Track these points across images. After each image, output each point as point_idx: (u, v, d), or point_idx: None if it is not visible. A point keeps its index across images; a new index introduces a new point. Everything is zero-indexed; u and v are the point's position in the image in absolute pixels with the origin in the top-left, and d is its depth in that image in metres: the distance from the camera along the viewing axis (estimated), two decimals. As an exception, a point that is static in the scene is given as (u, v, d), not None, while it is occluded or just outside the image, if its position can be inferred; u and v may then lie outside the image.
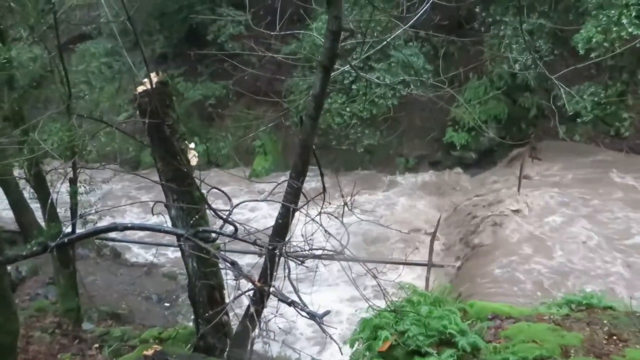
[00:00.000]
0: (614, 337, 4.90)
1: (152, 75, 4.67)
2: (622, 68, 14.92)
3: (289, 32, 5.60)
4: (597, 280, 10.10)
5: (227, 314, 5.15)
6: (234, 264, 2.85)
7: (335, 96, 15.74)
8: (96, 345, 7.20)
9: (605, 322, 5.22)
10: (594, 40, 13.16)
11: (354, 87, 15.57)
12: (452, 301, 5.45)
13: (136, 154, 17.85)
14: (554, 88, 12.30)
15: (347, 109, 15.81)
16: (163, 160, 4.62)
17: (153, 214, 3.31)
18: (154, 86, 4.29)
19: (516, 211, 12.70)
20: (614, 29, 12.98)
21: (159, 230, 3.46)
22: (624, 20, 12.93)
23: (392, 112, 15.22)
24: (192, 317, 6.37)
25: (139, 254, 12.69)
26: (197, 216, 4.07)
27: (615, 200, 12.82)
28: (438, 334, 4.80)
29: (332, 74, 5.00)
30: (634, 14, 13.02)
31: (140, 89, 4.56)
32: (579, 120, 14.76)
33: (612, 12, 13.12)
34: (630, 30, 12.80)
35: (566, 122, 14.89)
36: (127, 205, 11.69)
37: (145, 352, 5.03)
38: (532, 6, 14.45)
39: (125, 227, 3.42)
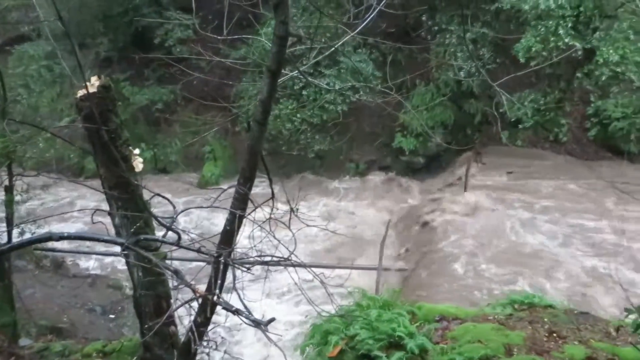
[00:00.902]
0: (554, 335, 5.10)
1: (94, 78, 4.51)
2: (560, 76, 15.63)
3: (237, 36, 5.54)
4: (540, 279, 10.51)
5: (174, 324, 5.02)
6: (177, 272, 2.78)
7: (285, 102, 15.74)
8: (35, 361, 6.86)
9: (545, 320, 5.43)
10: (533, 49, 13.72)
11: (304, 93, 15.61)
12: (401, 304, 5.52)
13: (79, 160, 17.20)
14: (496, 95, 12.73)
15: (298, 115, 15.83)
16: (106, 167, 4.47)
17: (93, 222, 3.18)
18: (94, 90, 4.14)
19: (463, 214, 13.05)
20: (552, 38, 13.60)
21: (98, 240, 3.33)
22: (561, 31, 13.57)
23: (342, 118, 15.36)
24: (139, 328, 6.18)
25: (82, 265, 12.20)
26: (139, 224, 3.94)
27: (555, 202, 13.39)
28: (387, 337, 4.86)
29: (281, 79, 4.98)
30: (569, 25, 13.69)
31: (80, 93, 4.39)
32: (520, 126, 15.34)
33: (550, 22, 13.73)
34: (566, 40, 13.44)
35: (509, 127, 15.45)
36: (65, 214, 11.19)
37: (87, 367, 4.84)
38: (476, 16, 14.92)
39: (61, 237, 3.25)
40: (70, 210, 12.07)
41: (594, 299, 9.76)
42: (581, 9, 13.80)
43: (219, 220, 11.98)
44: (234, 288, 2.86)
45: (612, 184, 11.54)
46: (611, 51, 13.34)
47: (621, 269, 10.51)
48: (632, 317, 3.18)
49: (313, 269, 3.83)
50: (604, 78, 13.96)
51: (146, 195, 4.21)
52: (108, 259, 11.93)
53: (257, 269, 3.63)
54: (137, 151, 4.76)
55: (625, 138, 14.65)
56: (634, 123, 14.37)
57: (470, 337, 4.95)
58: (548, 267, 10.88)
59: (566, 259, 11.16)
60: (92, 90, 4.36)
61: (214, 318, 3.77)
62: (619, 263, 10.72)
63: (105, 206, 4.52)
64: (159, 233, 4.13)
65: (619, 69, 13.54)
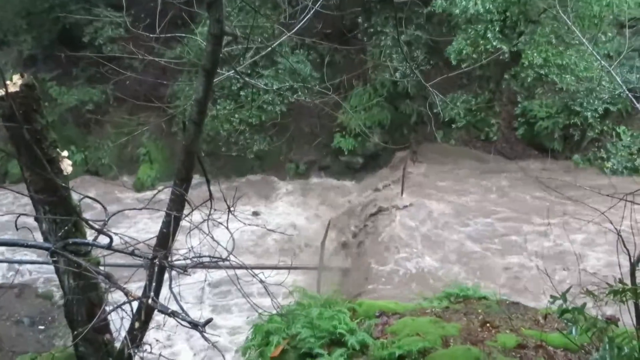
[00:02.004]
0: (488, 325, 5.32)
1: (17, 77, 4.27)
2: (489, 78, 16.32)
3: (170, 34, 5.42)
4: (474, 272, 10.94)
5: (109, 332, 4.83)
6: (109, 276, 2.68)
7: (223, 102, 15.53)
8: (-44, 379, 6.41)
9: (479, 311, 5.66)
10: (464, 52, 14.27)
11: (242, 93, 15.46)
12: (341, 302, 5.58)
13: (2, 164, 16.25)
14: (430, 96, 13.13)
15: (236, 115, 15.66)
16: (31, 170, 4.23)
17: (17, 229, 3.00)
18: (16, 89, 3.91)
19: (401, 211, 13.36)
20: (481, 42, 14.20)
21: (22, 245, 3.14)
22: (489, 35, 14.20)
23: (281, 118, 15.36)
24: (71, 338, 5.91)
25: (6, 274, 11.51)
26: (68, 228, 3.75)
27: (486, 198, 13.97)
28: (328, 335, 4.90)
29: (218, 78, 4.92)
30: (497, 29, 14.35)
31: (0, 92, 4.14)
32: (453, 125, 15.90)
33: (479, 26, 14.33)
34: (494, 43, 14.07)
35: (443, 127, 15.95)
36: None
37: (14, 382, 4.57)
38: (410, 19, 15.31)
39: (-18, 244, 3.04)
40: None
41: (521, 290, 10.27)
42: (507, 14, 14.50)
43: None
44: (170, 290, 2.79)
45: (537, 179, 12.14)
46: (535, 54, 14.09)
47: (547, 260, 11.10)
48: (558, 302, 3.37)
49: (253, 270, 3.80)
50: (529, 80, 14.73)
51: (76, 199, 4.03)
52: (36, 268, 11.32)
53: (196, 272, 3.56)
54: (65, 153, 4.54)
55: (550, 136, 15.48)
56: (557, 122, 15.20)
57: (409, 330, 5.07)
58: (482, 261, 11.35)
59: (496, 252, 11.68)
60: (14, 89, 4.13)
61: (155, 322, 3.67)
62: (545, 255, 11.32)
63: (31, 213, 4.29)
64: (92, 238, 3.97)
65: (542, 71, 14.32)
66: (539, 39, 14.29)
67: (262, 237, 13.23)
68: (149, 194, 14.83)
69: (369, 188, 15.70)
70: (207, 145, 15.69)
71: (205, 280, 3.63)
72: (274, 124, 15.95)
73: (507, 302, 6.07)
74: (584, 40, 8.83)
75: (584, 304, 3.39)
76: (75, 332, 3.64)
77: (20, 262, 11.31)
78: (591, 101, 14.76)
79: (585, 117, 14.79)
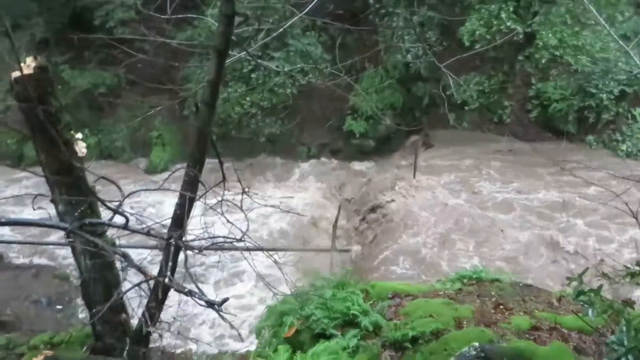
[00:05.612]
0: (501, 307, 5.31)
1: (30, 59, 4.28)
2: (503, 59, 16.09)
3: (181, 16, 5.39)
4: (489, 254, 10.91)
5: (125, 311, 4.90)
6: (125, 256, 2.70)
7: (234, 85, 15.48)
8: (-24, 357, 6.55)
9: (493, 293, 5.64)
10: (477, 32, 14.05)
11: (253, 75, 15.40)
12: (354, 283, 5.60)
13: (18, 147, 16.40)
14: (443, 77, 12.97)
15: (247, 98, 15.62)
16: (47, 152, 4.27)
17: (34, 209, 3.03)
18: (30, 72, 3.93)
19: (413, 194, 13.32)
20: (495, 22, 13.96)
21: (40, 225, 3.17)
22: (503, 15, 13.95)
23: (292, 101, 15.27)
24: (88, 318, 6.00)
25: (25, 255, 11.69)
26: (83, 209, 3.79)
27: (499, 179, 13.89)
28: (342, 316, 4.92)
29: (229, 60, 4.89)
30: (511, 9, 14.09)
31: (15, 74, 4.15)
32: (466, 108, 15.72)
33: (493, 7, 14.09)
34: (508, 24, 13.83)
35: (455, 110, 15.80)
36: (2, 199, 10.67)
37: (34, 359, 4.65)
38: (422, -1, 15.11)
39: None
40: (8, 197, 11.52)
41: (536, 270, 10.25)
42: (522, -7, 14.24)
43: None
44: (186, 270, 2.81)
45: (553, 162, 12.04)
46: (550, 35, 13.85)
47: (564, 240, 11.07)
48: (574, 284, 3.34)
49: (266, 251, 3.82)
50: (543, 61, 14.49)
51: (91, 181, 4.06)
52: (53, 249, 11.48)
53: (211, 253, 3.58)
54: (79, 135, 4.57)
55: (564, 119, 15.29)
56: (571, 104, 15.00)
57: (422, 312, 5.07)
58: (496, 242, 11.31)
59: (511, 233, 11.62)
60: (28, 71, 4.14)
61: (168, 302, 3.71)
62: (562, 235, 11.28)
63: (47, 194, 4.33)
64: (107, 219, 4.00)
65: (557, 53, 14.07)
66: (554, 19, 14.04)
67: (274, 220, 13.30)
68: (162, 176, 14.92)
69: (381, 171, 15.65)
70: (219, 129, 15.68)
71: (219, 261, 3.64)
72: (285, 107, 15.89)
73: (521, 284, 6.04)
74: (601, 19, 8.67)
75: (601, 286, 3.36)
76: (94, 311, 3.69)
77: (38, 244, 11.50)
78: (607, 83, 14.53)
79: (600, 99, 14.58)
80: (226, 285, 10.92)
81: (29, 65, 4.27)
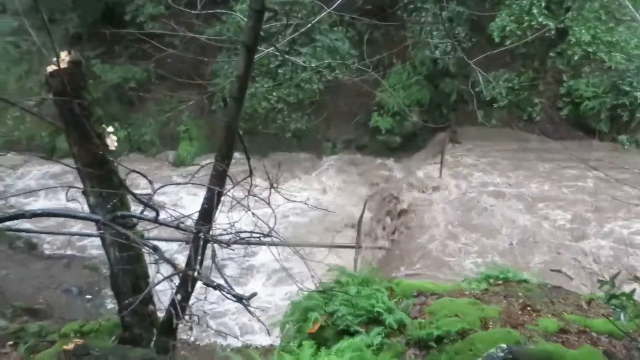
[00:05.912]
0: (528, 308, 5.23)
1: (64, 54, 4.37)
2: (534, 56, 15.76)
3: (211, 11, 5.43)
4: (513, 254, 10.75)
5: (153, 303, 4.98)
6: (156, 248, 2.74)
7: (261, 80, 15.55)
8: (10, 342, 6.74)
9: (520, 294, 5.55)
10: (507, 28, 13.78)
11: (280, 71, 15.44)
12: (379, 281, 5.58)
13: (50, 139, 16.79)
14: (472, 74, 12.79)
15: (274, 94, 15.68)
16: (79, 145, 4.36)
17: (67, 200, 3.10)
18: (64, 66, 4.01)
19: (438, 193, 13.20)
20: (526, 18, 13.67)
21: (73, 217, 3.25)
22: (535, 10, 13.65)
23: (319, 97, 15.26)
24: (116, 308, 6.12)
25: (57, 246, 12.01)
26: (115, 202, 3.86)
27: (531, 178, 13.64)
28: (366, 313, 4.91)
29: (257, 55, 4.91)
30: (543, 4, 13.78)
31: (50, 68, 4.25)
32: (495, 105, 15.46)
33: (524, 2, 13.80)
34: (540, 19, 13.52)
35: (484, 107, 15.54)
36: (36, 191, 10.96)
37: (65, 347, 4.76)
38: (451, -6, 14.90)
39: (34, 214, 3.15)
40: (41, 188, 11.83)
41: (565, 274, 10.05)
42: (554, -12, 13.91)
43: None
44: (214, 264, 2.84)
45: (584, 162, 11.77)
46: (583, 31, 13.51)
47: (593, 245, 10.82)
48: (605, 287, 3.27)
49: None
50: (576, 58, 14.15)
51: (122, 174, 4.13)
52: (83, 240, 11.74)
53: (238, 247, 3.61)
54: (110, 129, 4.65)
55: (596, 117, 14.93)
56: (604, 102, 14.64)
57: (447, 311, 5.03)
58: (523, 244, 11.12)
59: (541, 236, 11.41)
60: (62, 65, 4.23)
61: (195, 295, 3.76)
62: (592, 240, 11.03)
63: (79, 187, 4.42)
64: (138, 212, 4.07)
65: (590, 49, 13.72)
66: (588, 15, 13.69)
67: (299, 216, 13.35)
68: (188, 170, 15.11)
69: (406, 168, 15.54)
70: (245, 124, 15.79)
71: (245, 255, 3.67)
72: (312, 102, 15.89)
73: (549, 286, 5.94)
74: (637, 15, 8.39)
75: (634, 290, 3.28)
76: (125, 302, 3.76)
77: (69, 234, 11.79)
78: (642, 80, 14.13)
79: (634, 97, 14.18)
80: (236, 283, 11.02)
81: (63, 59, 4.36)
